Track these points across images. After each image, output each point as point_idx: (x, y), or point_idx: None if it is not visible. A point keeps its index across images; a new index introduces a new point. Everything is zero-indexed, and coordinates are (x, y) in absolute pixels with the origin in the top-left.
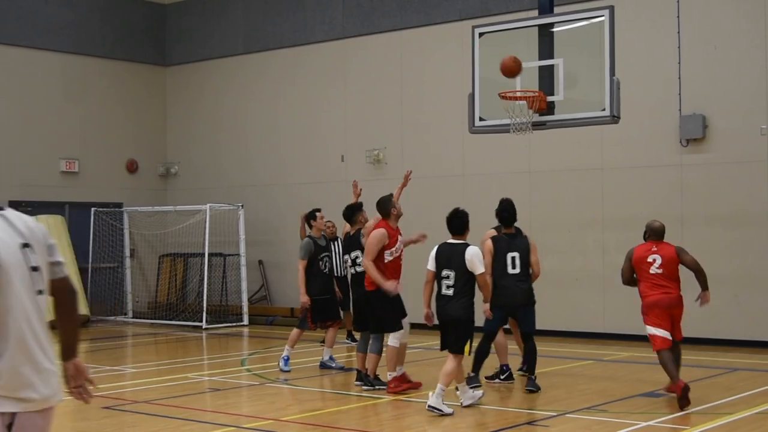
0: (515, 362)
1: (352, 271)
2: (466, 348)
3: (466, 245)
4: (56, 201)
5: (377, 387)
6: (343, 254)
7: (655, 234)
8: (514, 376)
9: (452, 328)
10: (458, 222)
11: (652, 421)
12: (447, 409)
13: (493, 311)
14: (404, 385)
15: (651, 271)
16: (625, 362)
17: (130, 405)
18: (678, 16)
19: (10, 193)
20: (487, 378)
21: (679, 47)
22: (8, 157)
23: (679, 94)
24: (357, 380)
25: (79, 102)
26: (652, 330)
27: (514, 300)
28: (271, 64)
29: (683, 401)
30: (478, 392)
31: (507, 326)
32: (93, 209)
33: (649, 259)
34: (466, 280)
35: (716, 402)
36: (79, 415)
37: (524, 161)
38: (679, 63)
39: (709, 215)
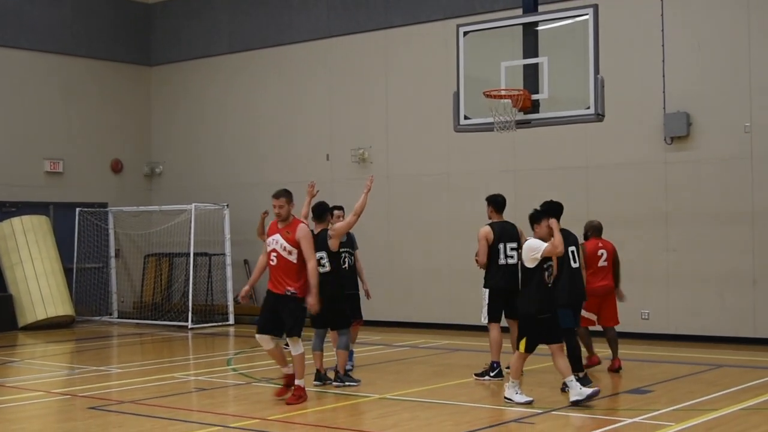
0: (506, 361)
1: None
2: (521, 344)
3: (527, 240)
4: (41, 201)
5: (347, 384)
6: None
7: (598, 232)
8: (504, 373)
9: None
10: (529, 217)
11: (637, 418)
12: (519, 398)
13: (564, 309)
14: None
15: (599, 264)
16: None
17: (116, 405)
18: (662, 15)
19: None
20: (476, 375)
21: (663, 45)
22: None
23: (664, 92)
24: (315, 380)
25: (64, 102)
26: (582, 311)
27: (580, 298)
28: (256, 63)
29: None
30: (585, 390)
31: (505, 324)
32: (78, 209)
33: (599, 254)
34: (527, 275)
35: (701, 398)
36: (65, 416)
37: (509, 160)
38: (663, 61)
39: (693, 213)
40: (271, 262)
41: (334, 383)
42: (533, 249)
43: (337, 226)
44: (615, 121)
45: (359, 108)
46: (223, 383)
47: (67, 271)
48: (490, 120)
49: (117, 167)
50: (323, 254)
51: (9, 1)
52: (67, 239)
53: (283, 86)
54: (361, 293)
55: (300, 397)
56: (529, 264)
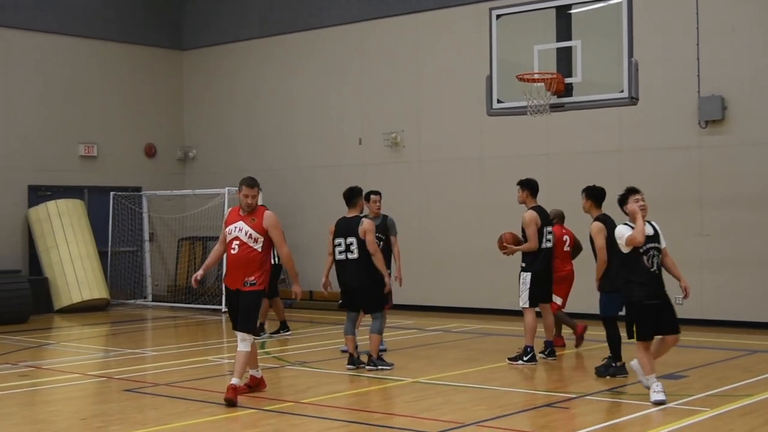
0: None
1: (343, 257)
2: (634, 331)
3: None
4: (76, 185)
5: (380, 367)
6: (336, 238)
7: (561, 219)
8: (537, 358)
9: None
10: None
11: (672, 404)
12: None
13: (611, 295)
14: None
15: (565, 249)
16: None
17: (151, 388)
18: None
19: (30, 178)
20: (509, 359)
21: (697, 28)
22: (28, 142)
23: (698, 75)
24: (349, 364)
25: (98, 86)
26: (554, 298)
27: None
28: (288, 47)
29: (581, 340)
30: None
31: (537, 309)
32: (112, 193)
33: (564, 239)
34: (623, 260)
35: (735, 384)
36: (101, 398)
37: (542, 144)
38: (698, 44)
39: (728, 197)
40: (232, 251)
41: (367, 367)
42: (619, 236)
43: (368, 230)
44: (648, 105)
45: (391, 92)
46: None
47: (102, 255)
48: (523, 103)
49: (151, 152)
50: (353, 240)
51: None
52: (101, 223)
53: (314, 70)
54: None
55: (236, 395)
56: (625, 249)
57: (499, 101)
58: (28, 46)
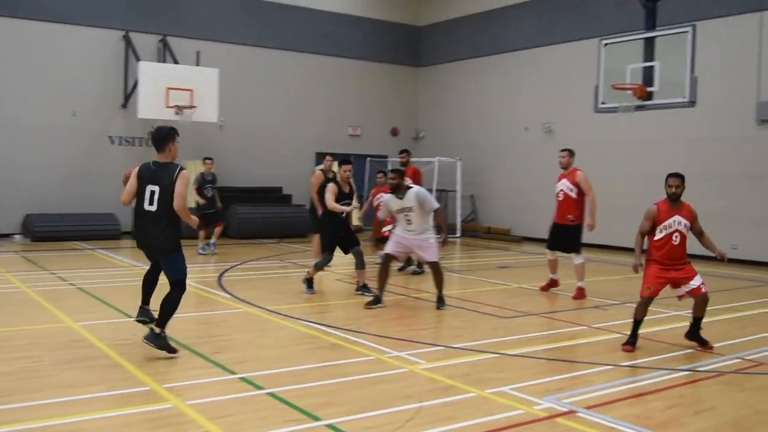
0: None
1: None
2: None
3: None
4: (346, 152)
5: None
6: None
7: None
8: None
9: None
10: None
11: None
12: None
13: None
14: None
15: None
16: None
17: None
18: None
19: (317, 148)
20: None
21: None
22: (318, 128)
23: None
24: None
25: (360, 91)
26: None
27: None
28: (486, 65)
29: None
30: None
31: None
32: (368, 159)
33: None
34: None
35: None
36: None
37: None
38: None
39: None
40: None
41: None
42: None
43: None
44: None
45: (546, 94)
46: None
47: (359, 198)
48: (616, 105)
49: (395, 132)
50: None
51: (326, 24)
52: (359, 179)
53: (501, 79)
54: None
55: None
56: None
57: (603, 103)
58: (318, 65)
